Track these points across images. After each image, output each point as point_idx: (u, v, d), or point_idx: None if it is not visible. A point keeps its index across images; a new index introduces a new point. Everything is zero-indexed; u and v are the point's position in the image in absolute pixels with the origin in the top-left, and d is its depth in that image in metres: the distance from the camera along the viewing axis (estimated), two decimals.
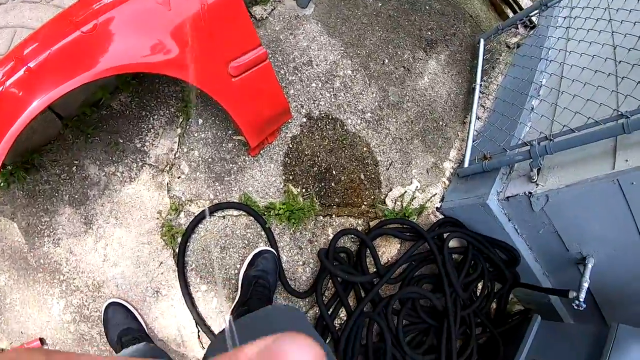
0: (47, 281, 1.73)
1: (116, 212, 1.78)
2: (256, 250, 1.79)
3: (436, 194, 2.19)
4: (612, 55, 1.91)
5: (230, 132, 1.88)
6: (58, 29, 1.39)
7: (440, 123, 2.35)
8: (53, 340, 1.73)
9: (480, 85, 2.52)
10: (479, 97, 2.47)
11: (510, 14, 3.08)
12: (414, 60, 2.40)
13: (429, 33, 2.56)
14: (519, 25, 2.88)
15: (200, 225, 1.81)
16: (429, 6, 2.70)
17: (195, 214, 1.79)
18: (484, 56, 2.63)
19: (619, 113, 1.49)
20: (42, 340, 1.72)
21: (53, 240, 1.74)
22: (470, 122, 2.34)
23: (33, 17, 1.72)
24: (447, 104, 2.42)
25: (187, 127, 1.87)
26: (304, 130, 1.98)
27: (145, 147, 1.83)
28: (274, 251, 1.81)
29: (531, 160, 1.79)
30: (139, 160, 1.81)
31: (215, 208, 1.80)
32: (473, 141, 2.25)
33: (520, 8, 3.04)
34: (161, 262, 1.79)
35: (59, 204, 1.76)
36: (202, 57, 1.52)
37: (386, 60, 2.30)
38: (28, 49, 1.35)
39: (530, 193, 1.81)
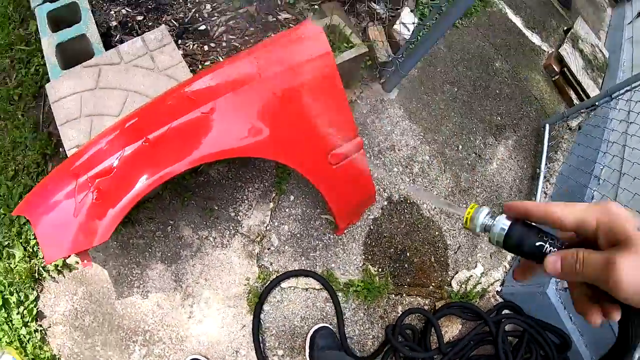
0: (131, 328, 1.86)
1: (206, 274, 1.92)
2: (311, 332, 1.90)
3: (498, 279, 2.30)
4: None
5: (318, 210, 2.05)
6: (177, 104, 1.56)
7: None
8: None
9: (545, 170, 2.63)
10: (543, 182, 2.58)
11: (573, 96, 3.22)
12: (485, 146, 2.54)
13: (499, 118, 2.71)
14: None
15: (284, 295, 1.96)
16: (499, 90, 2.86)
17: (271, 280, 1.94)
18: (548, 142, 2.75)
19: None
20: None
21: (142, 292, 1.88)
22: None
23: (146, 83, 1.90)
24: (513, 190, 2.54)
25: (280, 202, 2.04)
26: (385, 213, 2.13)
27: (238, 217, 2.00)
28: (329, 325, 1.93)
29: None
30: (231, 228, 1.98)
31: (291, 274, 1.95)
32: None
33: (584, 91, 3.17)
34: (244, 325, 1.93)
35: (152, 259, 1.91)
36: (308, 146, 1.69)
37: (460, 147, 2.45)
38: (138, 117, 1.55)
39: None
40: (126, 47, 1.98)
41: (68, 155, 1.70)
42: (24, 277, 1.80)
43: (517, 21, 3.51)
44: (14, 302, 1.75)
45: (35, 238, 1.84)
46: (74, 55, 2.16)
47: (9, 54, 2.52)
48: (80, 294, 1.83)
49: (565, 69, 3.27)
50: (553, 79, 3.31)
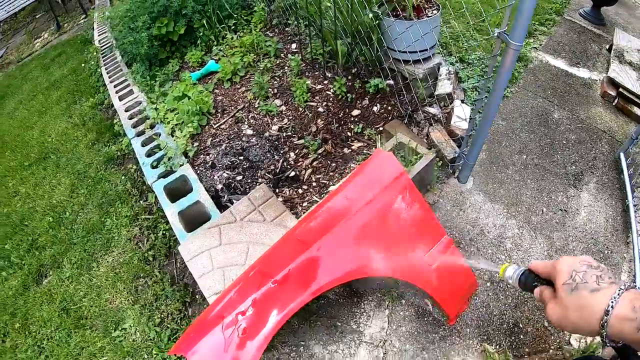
0: None
1: None
2: None
3: None
4: None
5: (428, 308, 2.31)
6: (291, 249, 1.92)
7: (606, 252, 2.56)
8: None
9: (634, 199, 2.70)
10: (635, 213, 2.65)
11: (638, 112, 3.24)
12: (568, 199, 2.69)
13: (574, 167, 2.86)
14: None
15: None
16: (566, 140, 3.02)
17: None
18: (628, 170, 2.82)
19: None
20: None
21: None
22: (633, 243, 2.53)
23: (261, 234, 2.32)
24: (608, 230, 2.63)
25: (393, 308, 2.33)
26: (490, 294, 2.35)
27: (360, 328, 2.29)
28: None
29: None
30: (356, 339, 2.27)
31: None
32: None
33: None
34: None
35: None
36: (405, 256, 1.98)
37: (544, 209, 2.63)
38: (263, 264, 1.92)
39: None
40: (237, 207, 2.46)
41: (209, 302, 2.11)
42: None
43: (560, 63, 3.68)
44: None
45: None
46: (191, 217, 2.69)
47: (137, 223, 3.11)
48: None
49: (621, 89, 3.33)
50: (614, 104, 3.37)
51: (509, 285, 2.40)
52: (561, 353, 2.30)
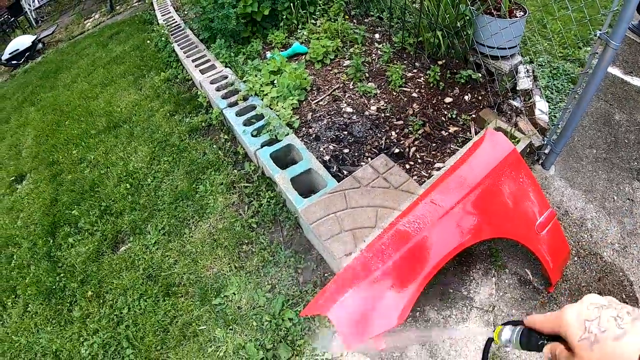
0: None
1: (455, 346, 2.39)
2: None
3: None
4: None
5: (529, 277, 2.61)
6: (428, 211, 2.04)
7: None
8: None
9: None
10: None
11: None
12: (634, 190, 3.04)
13: (636, 163, 3.21)
14: None
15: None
16: (627, 139, 3.38)
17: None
18: None
19: None
20: None
21: None
22: None
23: (388, 199, 2.48)
24: None
25: (499, 276, 2.61)
26: (577, 267, 2.66)
27: (470, 294, 2.55)
28: None
29: None
30: (467, 304, 2.52)
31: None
32: None
33: None
34: None
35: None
36: (521, 223, 2.24)
37: (615, 197, 2.97)
38: (407, 225, 1.99)
39: None
40: (360, 174, 2.62)
41: (340, 263, 2.24)
42: None
43: (616, 71, 4.05)
44: None
45: (301, 338, 2.31)
46: (299, 184, 2.79)
47: (234, 190, 3.20)
48: None
49: None
50: None
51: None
52: None
